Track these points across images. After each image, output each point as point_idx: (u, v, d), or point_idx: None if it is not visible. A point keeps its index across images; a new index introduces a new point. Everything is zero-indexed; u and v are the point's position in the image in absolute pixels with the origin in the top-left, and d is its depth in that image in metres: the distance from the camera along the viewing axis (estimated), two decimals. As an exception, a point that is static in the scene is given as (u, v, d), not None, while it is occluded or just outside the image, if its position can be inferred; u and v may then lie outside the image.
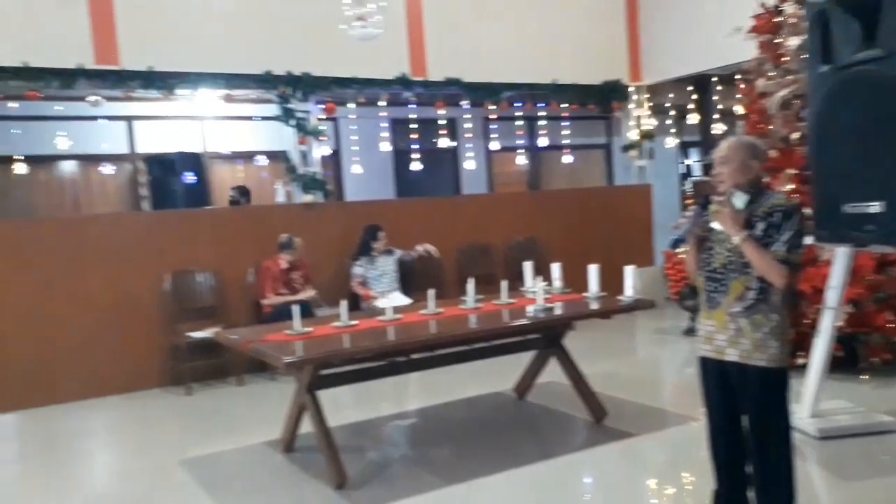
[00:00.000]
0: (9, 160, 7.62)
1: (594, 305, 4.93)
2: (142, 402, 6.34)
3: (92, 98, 6.52)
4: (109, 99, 6.83)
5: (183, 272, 6.78)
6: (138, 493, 4.33)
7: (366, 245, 7.25)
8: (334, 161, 9.87)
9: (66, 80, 6.31)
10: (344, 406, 5.53)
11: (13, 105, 6.70)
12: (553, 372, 5.43)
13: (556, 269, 5.31)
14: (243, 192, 8.55)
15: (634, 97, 9.56)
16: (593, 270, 5.03)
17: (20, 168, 7.33)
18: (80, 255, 6.44)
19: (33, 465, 5.02)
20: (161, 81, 6.73)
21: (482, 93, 8.34)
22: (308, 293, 6.81)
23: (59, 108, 7.29)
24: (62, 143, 7.17)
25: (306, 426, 4.46)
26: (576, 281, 5.44)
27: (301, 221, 7.32)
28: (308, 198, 7.47)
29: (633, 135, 9.58)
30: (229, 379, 6.80)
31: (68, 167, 9.01)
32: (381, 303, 6.37)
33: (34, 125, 7.81)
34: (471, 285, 5.04)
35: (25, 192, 8.73)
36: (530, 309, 4.70)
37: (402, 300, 6.82)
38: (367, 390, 5.92)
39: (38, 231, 6.44)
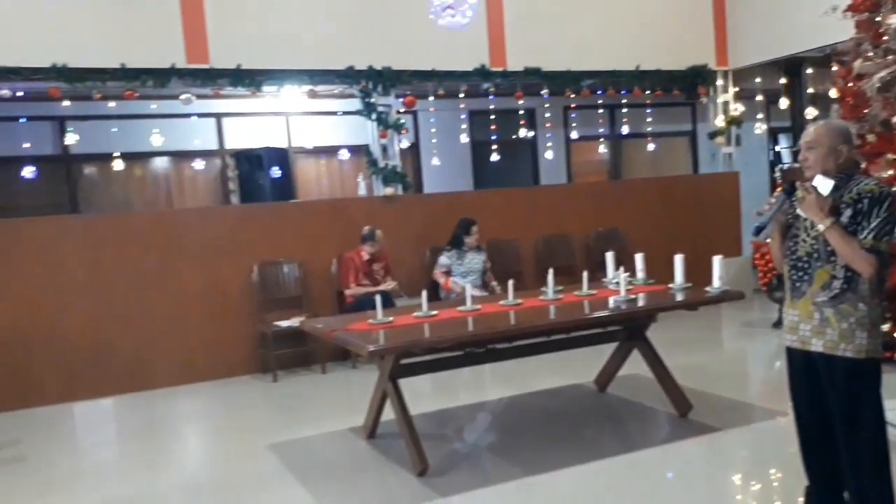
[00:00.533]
0: (108, 157, 8.02)
1: (680, 297, 4.81)
2: (231, 388, 6.59)
3: (184, 96, 6.79)
4: (200, 97, 7.11)
5: (270, 263, 7.00)
6: (230, 476, 4.51)
7: (458, 238, 7.19)
8: (413, 154, 9.98)
9: (159, 79, 6.60)
10: (424, 395, 5.60)
11: (112, 104, 7.03)
12: (635, 364, 5.34)
13: (639, 259, 5.21)
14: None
15: (721, 82, 9.26)
16: (679, 261, 4.91)
17: (118, 165, 7.69)
18: (173, 248, 6.73)
19: (132, 448, 5.30)
20: (248, 79, 6.94)
21: (562, 81, 8.24)
22: (389, 284, 6.91)
23: (153, 106, 7.62)
24: (156, 141, 7.48)
25: (388, 414, 4.55)
26: (659, 272, 5.33)
27: (381, 214, 7.43)
28: (388, 191, 7.57)
29: (720, 121, 9.28)
30: (313, 367, 6.99)
31: (161, 163, 9.43)
32: (457, 286, 6.32)
33: (130, 123, 8.19)
34: (550, 276, 5.01)
35: (122, 188, 9.19)
36: (613, 300, 4.64)
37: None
38: (446, 380, 5.99)
39: (134, 225, 6.76)
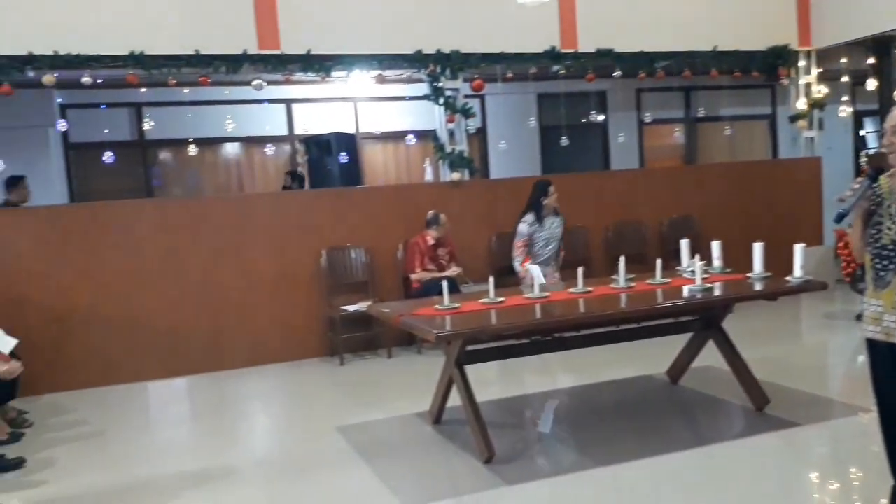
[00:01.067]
0: (182, 143, 8.22)
1: (758, 286, 4.61)
2: (300, 370, 6.68)
3: (255, 82, 6.87)
4: (270, 83, 7.18)
5: (337, 248, 7.05)
6: (299, 454, 4.57)
7: (536, 202, 6.71)
8: (480, 138, 9.89)
9: (232, 65, 6.68)
10: (489, 382, 5.55)
11: (185, 91, 7.17)
12: (709, 356, 5.17)
13: (716, 247, 5.02)
14: (295, 176, 8.77)
15: (803, 63, 8.84)
16: (758, 249, 4.71)
17: (191, 150, 7.86)
18: (244, 232, 6.85)
19: (204, 426, 5.44)
20: (318, 64, 6.96)
21: (635, 63, 7.99)
22: (454, 270, 6.87)
23: (226, 92, 7.74)
24: (228, 127, 7.62)
25: (454, 400, 4.52)
26: (735, 261, 5.14)
27: (447, 199, 7.38)
28: (455, 176, 7.52)
29: (802, 104, 8.87)
30: (379, 351, 7.03)
31: (232, 149, 9.61)
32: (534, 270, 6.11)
33: (203, 109, 8.36)
34: (622, 263, 4.87)
35: (195, 173, 9.42)
36: (688, 289, 4.49)
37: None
38: (511, 367, 5.92)
39: (207, 209, 6.91)
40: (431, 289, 6.54)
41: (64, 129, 7.41)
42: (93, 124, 8.23)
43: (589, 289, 4.68)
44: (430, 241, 6.95)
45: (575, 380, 5.68)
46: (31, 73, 6.23)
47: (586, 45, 7.76)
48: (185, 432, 5.35)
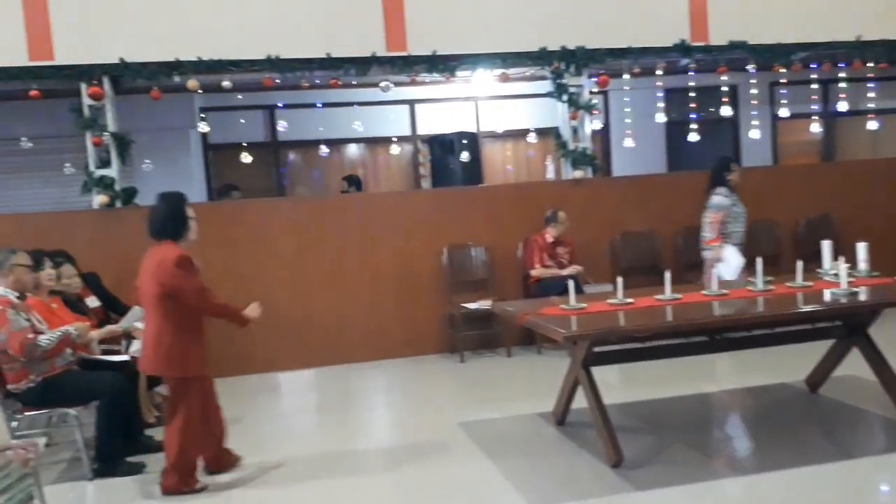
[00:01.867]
0: (312, 144, 8.54)
1: (908, 292, 4.30)
2: (421, 366, 6.79)
3: (383, 83, 7.04)
4: (395, 84, 7.33)
5: (458, 246, 7.12)
6: (423, 446, 4.65)
7: (718, 176, 6.32)
8: (603, 135, 9.72)
9: (361, 67, 6.89)
10: (612, 385, 5.45)
11: (317, 93, 7.45)
12: (852, 365, 4.86)
13: (861, 249, 4.72)
14: (353, 181, 8.77)
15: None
16: (910, 251, 4.39)
17: (319, 150, 8.17)
18: (370, 230, 7.03)
19: (332, 415, 5.62)
20: (443, 64, 7.06)
21: (770, 55, 7.61)
22: (575, 268, 6.77)
23: (354, 93, 7.96)
24: (354, 127, 7.84)
25: (578, 401, 4.46)
26: (880, 264, 4.82)
27: (569, 198, 7.30)
28: (577, 174, 7.42)
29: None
30: (498, 350, 7.05)
31: (358, 149, 9.88)
32: (723, 268, 5.78)
33: (330, 111, 8.64)
34: (759, 265, 4.65)
35: (323, 172, 9.76)
36: (831, 293, 4.23)
37: (737, 259, 6.15)
38: (635, 371, 5.79)
39: (334, 207, 7.14)
40: (550, 287, 6.50)
41: (205, 130, 7.85)
42: (229, 126, 8.68)
43: (724, 291, 4.50)
44: (549, 239, 6.91)
45: (705, 386, 5.47)
46: (177, 79, 6.64)
47: (718, 37, 7.46)
48: (314, 421, 5.56)
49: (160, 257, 3.98)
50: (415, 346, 7.07)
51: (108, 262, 6.17)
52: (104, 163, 6.67)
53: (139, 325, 5.24)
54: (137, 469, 4.45)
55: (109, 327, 4.77)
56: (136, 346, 5.01)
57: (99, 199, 6.57)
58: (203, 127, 7.68)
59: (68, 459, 4.75)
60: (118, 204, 6.68)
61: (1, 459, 2.89)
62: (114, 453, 4.44)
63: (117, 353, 4.95)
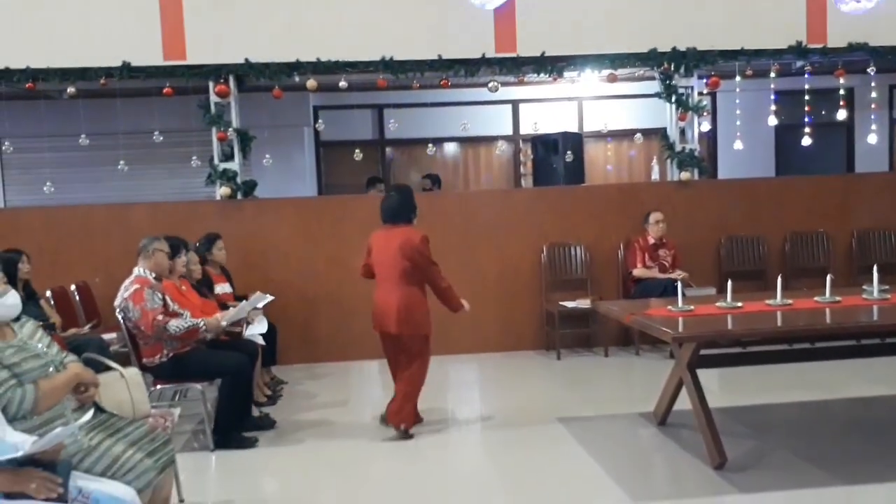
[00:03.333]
0: (418, 142, 8.78)
1: None
2: (519, 361, 6.91)
3: (491, 84, 7.18)
4: (501, 84, 7.45)
5: (558, 245, 7.19)
6: (524, 439, 4.78)
7: None
8: (710, 137, 9.55)
9: (470, 68, 7.05)
10: (712, 389, 5.39)
11: (422, 92, 7.66)
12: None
13: None
14: (434, 179, 8.80)
15: None
16: None
17: (426, 149, 8.36)
18: (471, 226, 7.20)
19: (433, 402, 5.65)
20: (551, 65, 7.14)
21: (893, 57, 7.30)
22: (679, 273, 6.69)
23: (460, 93, 8.13)
24: (459, 126, 7.99)
25: (680, 404, 4.48)
26: None
27: (673, 200, 7.24)
28: (684, 175, 7.35)
29: None
30: (595, 349, 7.09)
31: (463, 147, 10.06)
32: None
33: (436, 110, 8.84)
34: (875, 273, 4.53)
35: (428, 169, 9.97)
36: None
37: None
38: (739, 376, 5.71)
39: (437, 204, 7.32)
40: (650, 288, 6.49)
41: (320, 128, 8.21)
42: (341, 124, 9.03)
43: (837, 298, 4.41)
44: (651, 240, 6.89)
45: (811, 394, 5.35)
46: (296, 78, 7.00)
47: (837, 39, 7.21)
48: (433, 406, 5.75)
49: (405, 237, 4.76)
50: (512, 341, 7.20)
51: (230, 250, 6.56)
52: (227, 157, 7.11)
53: (260, 306, 5.61)
54: (252, 443, 4.78)
55: (235, 311, 5.11)
56: (252, 328, 5.35)
57: (222, 190, 7.01)
58: (320, 125, 8.03)
59: (190, 431, 5.11)
60: (239, 195, 7.09)
61: (146, 426, 3.19)
62: (232, 427, 4.78)
63: (238, 334, 5.28)
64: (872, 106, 7.87)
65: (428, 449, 4.69)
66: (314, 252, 7.07)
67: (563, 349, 6.97)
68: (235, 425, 4.81)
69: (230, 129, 7.04)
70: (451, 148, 10.07)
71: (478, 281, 7.14)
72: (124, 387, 3.45)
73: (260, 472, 4.50)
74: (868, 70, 7.43)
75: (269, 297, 5.53)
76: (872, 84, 7.70)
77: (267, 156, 7.17)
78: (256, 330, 5.37)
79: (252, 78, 7.10)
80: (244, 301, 5.30)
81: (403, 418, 4.82)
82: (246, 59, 6.90)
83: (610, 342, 7.04)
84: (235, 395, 4.78)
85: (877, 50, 7.24)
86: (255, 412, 5.24)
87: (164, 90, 6.94)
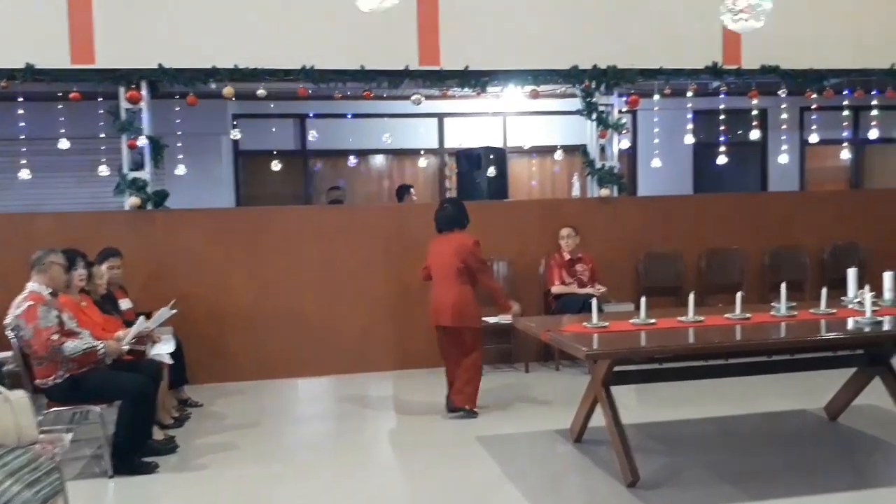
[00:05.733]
0: (341, 154, 8.65)
1: (936, 324, 4.26)
2: (440, 378, 6.70)
3: (415, 97, 7.12)
4: (426, 97, 7.40)
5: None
6: (437, 458, 4.69)
7: None
8: (630, 155, 9.72)
9: (393, 80, 6.97)
10: (629, 405, 5.44)
11: (348, 104, 7.54)
12: (873, 394, 4.84)
13: (888, 278, 4.68)
14: (335, 199, 8.75)
15: None
16: (937, 283, 4.36)
17: (348, 161, 8.26)
18: (395, 239, 7.09)
19: (349, 423, 5.63)
20: (475, 79, 7.12)
21: (803, 81, 7.59)
22: (598, 289, 6.73)
23: (384, 105, 8.05)
24: (382, 139, 7.92)
25: (595, 420, 4.47)
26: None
27: (594, 216, 7.31)
28: (604, 192, 7.43)
29: None
30: (516, 364, 7.06)
31: (387, 160, 9.97)
32: None
33: (360, 122, 8.74)
34: (783, 291, 4.64)
35: (351, 181, 9.86)
36: (855, 321, 4.21)
37: None
38: (653, 392, 5.79)
39: (362, 217, 7.21)
40: (569, 304, 6.50)
41: (237, 137, 7.98)
42: (261, 133, 8.82)
43: (747, 315, 4.48)
44: (566, 256, 6.92)
45: (723, 409, 5.44)
46: (213, 85, 6.77)
47: (750, 61, 7.45)
48: (331, 427, 5.60)
49: (459, 241, 5.43)
50: (437, 358, 7.04)
51: (137, 263, 6.29)
52: (138, 165, 6.81)
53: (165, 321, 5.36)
54: (151, 469, 4.53)
55: (135, 328, 4.85)
56: (157, 347, 5.09)
57: (131, 200, 6.70)
58: (235, 133, 7.79)
59: (89, 456, 4.82)
60: (150, 206, 6.80)
61: (30, 453, 2.96)
62: (131, 452, 4.52)
63: (142, 353, 5.02)
64: (784, 127, 8.13)
65: (340, 472, 4.54)
66: (229, 266, 6.82)
67: (485, 365, 6.87)
68: (135, 450, 4.55)
69: (141, 137, 6.75)
70: (377, 160, 9.96)
71: (400, 295, 7.04)
72: (9, 411, 3.21)
73: (158, 499, 4.26)
74: (780, 92, 7.69)
75: (171, 311, 5.26)
76: (783, 105, 7.97)
77: (181, 165, 6.91)
78: (162, 349, 5.12)
79: (165, 84, 6.83)
80: (141, 317, 5.04)
81: (467, 399, 5.43)
82: (159, 65, 6.64)
83: (531, 358, 7.02)
84: (135, 417, 4.52)
85: (788, 73, 7.50)
86: (160, 435, 4.99)
87: (71, 95, 6.62)
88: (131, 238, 6.47)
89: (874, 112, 8.11)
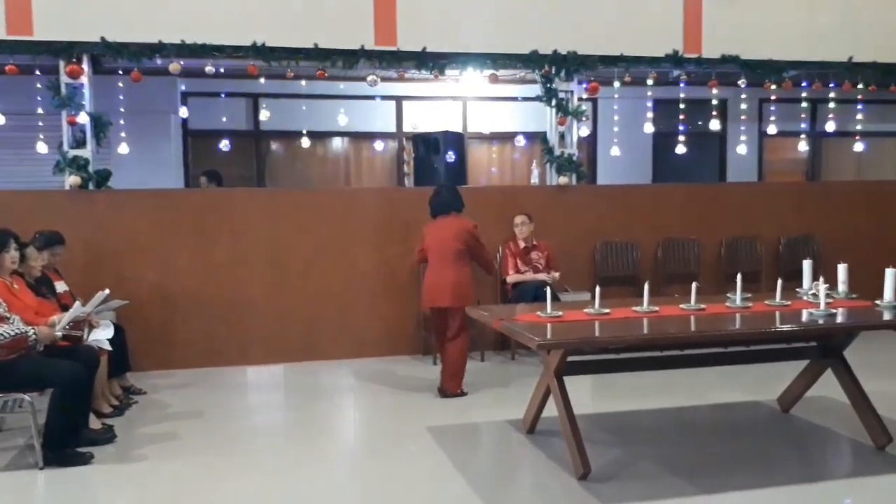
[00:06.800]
0: (294, 135, 8.40)
1: (889, 315, 4.25)
2: (394, 367, 6.67)
3: (370, 77, 6.92)
4: (383, 79, 7.22)
5: (438, 246, 7.00)
6: (386, 451, 4.54)
7: None
8: (590, 143, 9.66)
9: (348, 59, 6.76)
10: (583, 395, 5.38)
11: (302, 83, 7.31)
12: (823, 386, 4.83)
13: (842, 270, 4.66)
14: (213, 175, 7.87)
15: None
16: (890, 275, 4.34)
17: (303, 142, 8.02)
18: (349, 225, 6.91)
19: (298, 413, 5.48)
20: (433, 61, 6.95)
21: (762, 71, 7.58)
22: (550, 276, 6.64)
23: (341, 87, 7.85)
24: (339, 121, 7.71)
25: (549, 410, 4.37)
26: (862, 286, 4.75)
27: (552, 204, 7.23)
28: (562, 180, 7.34)
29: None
30: (472, 353, 6.90)
31: (342, 143, 9.76)
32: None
33: (315, 103, 8.49)
34: (739, 282, 4.59)
35: (306, 165, 9.62)
36: (809, 313, 4.17)
37: None
38: (607, 382, 5.74)
39: (315, 201, 7.00)
40: (525, 292, 6.40)
41: (185, 116, 7.69)
42: (211, 113, 8.53)
43: (702, 306, 4.42)
44: (521, 244, 6.83)
45: (676, 400, 5.40)
46: (158, 61, 6.49)
47: (711, 50, 7.42)
48: (278, 417, 5.43)
49: (460, 225, 5.58)
50: (388, 346, 6.97)
51: (77, 246, 6.02)
52: (79, 143, 6.51)
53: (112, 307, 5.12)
54: (86, 460, 4.30)
55: (70, 313, 4.60)
56: (96, 333, 4.86)
57: (71, 179, 6.41)
58: (184, 112, 7.50)
59: (21, 446, 4.59)
60: (91, 186, 6.51)
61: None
62: (64, 443, 4.30)
63: (78, 339, 4.78)
64: (743, 118, 8.13)
65: (285, 465, 4.37)
66: (175, 249, 6.57)
67: (438, 355, 6.78)
68: (68, 440, 4.33)
69: (82, 113, 6.44)
70: (333, 143, 9.74)
71: (353, 282, 6.88)
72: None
73: (91, 491, 4.05)
74: (740, 82, 7.68)
75: (106, 293, 5.00)
76: (743, 96, 7.96)
77: (124, 144, 6.63)
78: (101, 335, 4.88)
79: (109, 59, 6.53)
80: (77, 301, 4.79)
81: (458, 384, 5.61)
82: (102, 38, 6.35)
83: (487, 346, 6.92)
84: (69, 406, 4.29)
85: (748, 63, 7.48)
86: (98, 424, 4.76)
87: (7, 68, 6.29)
88: (71, 219, 6.18)
89: (831, 105, 8.15)
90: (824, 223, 7.81)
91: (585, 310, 4.37)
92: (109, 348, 4.93)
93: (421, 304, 6.43)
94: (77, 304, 4.67)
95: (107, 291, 4.96)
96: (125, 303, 5.62)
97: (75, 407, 4.37)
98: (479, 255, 5.69)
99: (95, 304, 4.87)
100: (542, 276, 6.59)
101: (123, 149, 6.64)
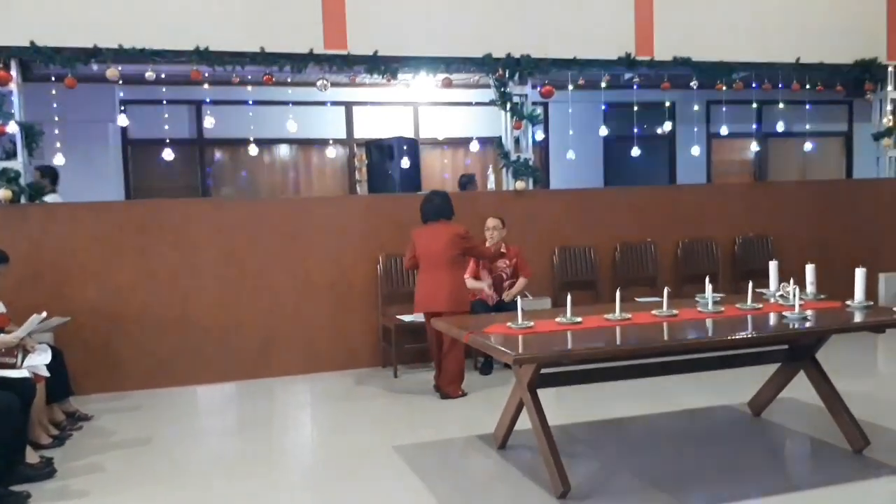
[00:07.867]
0: (241, 143, 8.09)
1: (860, 317, 4.22)
2: (353, 381, 6.43)
3: (320, 82, 6.69)
4: (333, 85, 6.99)
5: (394, 255, 6.79)
6: (354, 474, 4.29)
7: None
8: (543, 147, 9.59)
9: (297, 64, 6.52)
10: (550, 405, 5.20)
11: (248, 89, 7.02)
12: (793, 388, 4.79)
13: (810, 271, 4.63)
14: (47, 171, 7.28)
15: (893, 78, 8.34)
16: (860, 276, 4.32)
17: (249, 150, 7.72)
18: (301, 236, 6.64)
19: (253, 435, 5.16)
20: (384, 65, 6.77)
21: (713, 73, 7.62)
22: (506, 293, 6.46)
23: (289, 92, 7.58)
24: (287, 128, 7.43)
25: (521, 423, 4.21)
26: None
27: (509, 209, 7.07)
28: (519, 185, 7.22)
29: (888, 122, 8.36)
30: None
31: (291, 150, 9.47)
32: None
33: (262, 109, 8.21)
34: (708, 286, 4.52)
35: (253, 173, 9.30)
36: (787, 316, 4.11)
37: None
38: (575, 391, 5.56)
39: (264, 211, 6.71)
40: (476, 306, 6.18)
41: (124, 124, 7.31)
42: (152, 121, 8.15)
43: (674, 311, 4.32)
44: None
45: (646, 406, 5.31)
46: (94, 67, 6.14)
47: (662, 52, 7.42)
48: (232, 442, 5.11)
49: (453, 232, 5.63)
50: (346, 359, 6.72)
51: (10, 263, 5.60)
52: (9, 154, 6.10)
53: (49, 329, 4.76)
54: (22, 500, 3.94)
55: (4, 337, 4.24)
56: (31, 359, 4.50)
57: (2, 193, 5.98)
58: (123, 120, 7.11)
59: (-49, 485, 4.20)
60: (23, 199, 6.10)
61: None
62: (-5, 481, 3.95)
63: (11, 366, 4.41)
64: (692, 120, 8.18)
65: (241, 494, 4.09)
66: (117, 264, 6.20)
67: (400, 366, 6.57)
68: (1, 479, 3.97)
69: (11, 122, 6.03)
70: (281, 150, 9.44)
71: (308, 293, 6.62)
72: None
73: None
74: (691, 84, 7.70)
75: (43, 316, 4.65)
76: (689, 99, 8.00)
77: (59, 154, 6.24)
78: (38, 360, 4.53)
79: (40, 64, 6.14)
80: (34, 315, 4.42)
81: (458, 387, 5.74)
82: (32, 43, 5.96)
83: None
84: (0, 443, 3.94)
85: (699, 65, 7.50)
86: (35, 458, 4.39)
87: (-72, 74, 5.85)
88: (1, 235, 5.76)
89: (780, 105, 8.26)
90: (776, 223, 7.89)
91: (557, 319, 4.23)
92: (47, 374, 4.58)
93: (412, 310, 6.17)
94: (34, 316, 4.31)
95: (43, 314, 4.61)
96: (67, 319, 5.24)
97: (8, 440, 4.02)
98: (478, 255, 5.95)
99: (29, 328, 4.51)
100: (487, 294, 6.41)
101: (59, 159, 6.25)
